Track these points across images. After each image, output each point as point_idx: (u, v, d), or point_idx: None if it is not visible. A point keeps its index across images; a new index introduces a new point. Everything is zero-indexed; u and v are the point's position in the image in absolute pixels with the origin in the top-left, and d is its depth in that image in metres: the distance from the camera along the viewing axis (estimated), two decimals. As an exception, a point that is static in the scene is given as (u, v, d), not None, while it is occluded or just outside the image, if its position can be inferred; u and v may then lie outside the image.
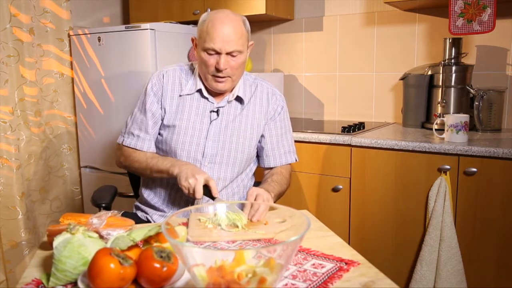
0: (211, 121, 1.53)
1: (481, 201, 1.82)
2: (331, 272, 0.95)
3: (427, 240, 1.88)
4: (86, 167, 2.81)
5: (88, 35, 2.64)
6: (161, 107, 1.54)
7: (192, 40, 1.53)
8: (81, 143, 2.81)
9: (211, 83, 1.47)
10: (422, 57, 2.47)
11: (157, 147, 1.58)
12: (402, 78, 2.37)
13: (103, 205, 1.59)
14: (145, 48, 2.43)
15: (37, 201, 2.65)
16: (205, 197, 1.33)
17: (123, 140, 1.58)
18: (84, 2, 2.91)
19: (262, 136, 1.60)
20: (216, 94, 1.54)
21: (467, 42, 2.31)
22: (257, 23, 2.96)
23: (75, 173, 2.85)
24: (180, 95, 1.54)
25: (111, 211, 1.15)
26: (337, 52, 2.73)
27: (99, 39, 2.60)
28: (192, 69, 1.58)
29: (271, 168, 1.63)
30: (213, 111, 1.53)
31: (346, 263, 0.99)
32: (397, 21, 2.52)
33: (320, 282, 0.91)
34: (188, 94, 1.54)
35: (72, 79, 2.76)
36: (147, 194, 1.61)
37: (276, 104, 1.61)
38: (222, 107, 1.54)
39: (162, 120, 1.54)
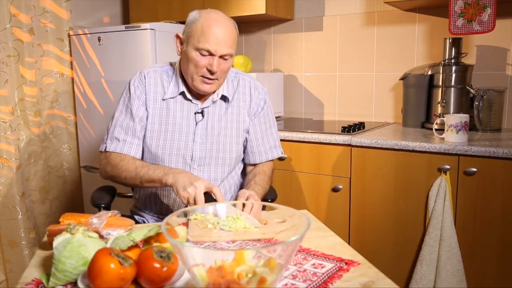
0: (196, 123, 1.50)
1: (481, 201, 1.82)
2: (331, 272, 0.95)
3: (427, 240, 1.88)
4: (86, 167, 2.81)
5: (88, 35, 2.64)
6: (146, 109, 1.49)
7: (177, 36, 1.46)
8: (81, 143, 2.81)
9: (198, 84, 1.42)
10: (422, 57, 2.47)
11: (142, 155, 1.53)
12: (402, 78, 2.37)
13: (103, 205, 1.58)
14: (145, 48, 2.43)
15: (37, 201, 2.65)
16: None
17: (106, 146, 1.48)
18: (84, 2, 2.91)
19: (247, 132, 1.58)
20: (200, 95, 1.50)
21: (467, 42, 2.31)
22: (257, 23, 2.96)
23: (75, 173, 2.85)
24: (163, 99, 1.49)
25: (111, 211, 1.15)
26: (337, 52, 2.73)
27: (99, 39, 2.60)
28: (172, 69, 1.54)
29: (254, 164, 1.62)
30: (198, 113, 1.50)
31: (346, 263, 0.99)
32: (397, 21, 2.52)
33: (320, 282, 0.91)
34: (171, 98, 1.49)
35: (72, 79, 2.76)
36: (139, 200, 1.61)
37: (259, 99, 1.58)
38: (207, 107, 1.51)
39: (147, 123, 1.50)
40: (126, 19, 3.19)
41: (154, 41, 2.43)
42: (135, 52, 2.47)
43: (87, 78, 2.70)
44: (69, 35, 2.71)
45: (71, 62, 2.74)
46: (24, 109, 2.53)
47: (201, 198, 1.22)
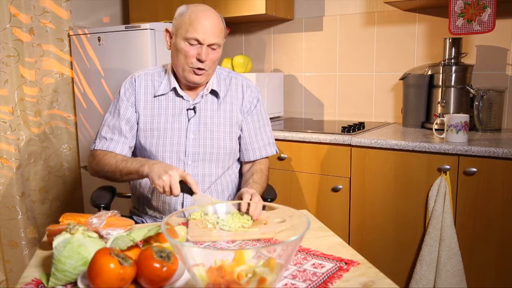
0: (189, 119, 1.52)
1: (481, 201, 1.82)
2: (331, 272, 0.95)
3: (427, 240, 1.88)
4: (86, 167, 2.81)
5: (88, 35, 2.64)
6: (135, 111, 1.53)
7: (167, 30, 1.51)
8: (81, 143, 2.81)
9: (188, 75, 1.46)
10: (422, 57, 2.47)
11: (138, 154, 1.57)
12: (402, 78, 2.37)
13: (102, 205, 1.58)
14: (145, 48, 2.43)
15: (37, 201, 2.65)
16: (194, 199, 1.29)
17: (95, 145, 1.55)
18: (84, 2, 2.91)
19: (241, 130, 1.60)
20: (190, 89, 1.54)
21: (467, 42, 2.31)
22: (257, 23, 2.96)
23: (75, 173, 2.85)
24: (154, 96, 1.53)
25: (111, 211, 1.15)
26: (337, 52, 2.73)
27: (99, 39, 2.60)
28: (164, 70, 1.58)
29: (250, 162, 1.63)
30: (190, 109, 1.53)
31: (345, 263, 0.99)
32: (397, 21, 2.52)
33: (320, 282, 0.91)
34: (163, 94, 1.53)
35: (72, 79, 2.76)
36: (137, 200, 1.61)
37: (251, 97, 1.60)
38: (198, 103, 1.53)
39: (138, 124, 1.53)
40: (126, 19, 3.19)
41: (154, 41, 2.43)
42: (135, 52, 2.47)
43: (87, 78, 2.70)
44: (69, 35, 2.71)
45: (71, 62, 2.74)
46: (24, 109, 2.53)
47: (176, 185, 1.25)
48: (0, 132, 2.41)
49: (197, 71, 1.45)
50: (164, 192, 1.27)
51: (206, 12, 1.43)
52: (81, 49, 2.68)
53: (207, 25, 1.41)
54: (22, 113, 2.52)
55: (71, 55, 2.73)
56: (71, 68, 2.75)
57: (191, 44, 1.42)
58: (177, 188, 1.25)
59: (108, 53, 2.58)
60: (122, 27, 2.51)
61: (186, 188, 1.28)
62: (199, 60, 1.43)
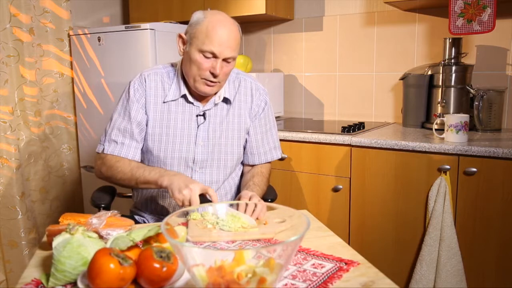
0: (198, 126, 1.48)
1: (481, 201, 1.82)
2: (331, 272, 0.95)
3: (427, 240, 1.88)
4: (86, 167, 2.81)
5: (88, 35, 2.64)
6: (145, 113, 1.47)
7: (180, 36, 1.43)
8: (81, 143, 2.81)
9: (200, 85, 1.40)
10: (422, 57, 2.47)
11: (143, 157, 1.52)
12: (402, 78, 2.37)
13: (102, 205, 1.58)
14: (145, 48, 2.43)
15: (37, 201, 2.65)
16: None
17: (104, 148, 1.47)
18: (84, 2, 2.91)
19: (247, 133, 1.58)
20: (201, 97, 1.49)
21: (467, 42, 2.31)
22: (257, 23, 2.96)
23: (75, 173, 2.85)
24: (164, 102, 1.47)
25: (111, 211, 1.15)
26: (337, 52, 2.73)
27: (99, 39, 2.60)
28: (174, 71, 1.51)
29: (252, 165, 1.61)
30: (200, 115, 1.49)
31: (345, 263, 0.99)
32: (397, 21, 2.52)
33: (320, 282, 0.91)
34: (173, 100, 1.48)
35: (72, 79, 2.76)
36: (138, 201, 1.60)
37: (260, 100, 1.57)
38: (208, 110, 1.50)
39: (146, 127, 1.48)
40: (126, 19, 3.19)
41: (154, 41, 2.43)
42: (135, 52, 2.47)
43: (87, 78, 2.69)
44: (69, 35, 2.71)
45: (71, 62, 2.74)
46: (24, 109, 2.53)
47: (196, 200, 1.24)
48: (0, 132, 2.41)
49: (209, 82, 1.39)
50: (183, 206, 1.26)
51: (224, 23, 1.36)
52: (81, 49, 2.68)
53: (225, 38, 1.34)
54: (22, 113, 2.52)
55: (71, 55, 2.73)
56: (71, 68, 2.75)
57: (206, 57, 1.36)
58: (196, 203, 1.24)
59: (108, 53, 2.57)
60: (122, 27, 2.51)
61: (205, 200, 1.27)
62: (213, 74, 1.37)
